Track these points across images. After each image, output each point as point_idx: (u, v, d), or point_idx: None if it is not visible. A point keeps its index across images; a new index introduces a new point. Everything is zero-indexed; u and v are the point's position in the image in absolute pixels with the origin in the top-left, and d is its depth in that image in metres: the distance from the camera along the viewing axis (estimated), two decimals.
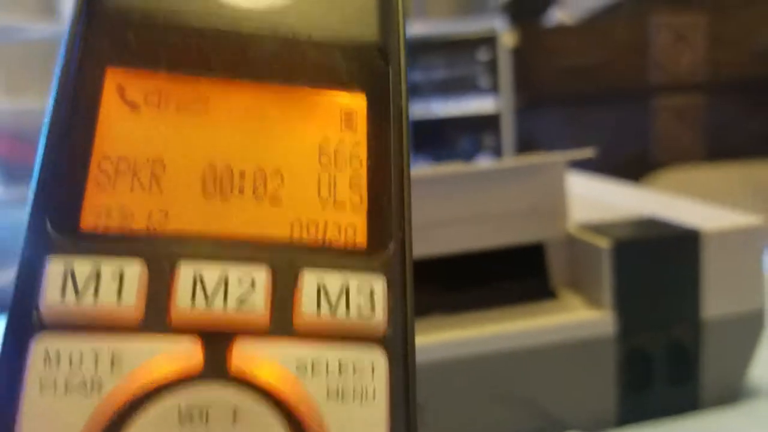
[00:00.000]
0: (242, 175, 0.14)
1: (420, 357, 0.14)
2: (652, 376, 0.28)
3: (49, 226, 0.13)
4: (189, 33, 0.14)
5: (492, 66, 1.62)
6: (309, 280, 0.13)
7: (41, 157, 0.13)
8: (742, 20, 1.86)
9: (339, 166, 0.14)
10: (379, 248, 0.14)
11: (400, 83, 0.15)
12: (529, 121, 1.95)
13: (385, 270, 0.14)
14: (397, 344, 0.13)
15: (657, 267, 0.28)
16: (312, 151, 0.14)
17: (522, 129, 1.84)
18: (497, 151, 1.62)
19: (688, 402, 0.29)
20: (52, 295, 0.12)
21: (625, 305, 0.28)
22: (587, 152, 0.28)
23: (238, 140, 0.14)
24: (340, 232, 0.14)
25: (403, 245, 0.14)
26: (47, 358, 0.12)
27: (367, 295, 0.13)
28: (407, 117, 0.15)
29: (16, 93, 1.53)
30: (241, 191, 0.14)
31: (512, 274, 0.30)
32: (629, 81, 1.96)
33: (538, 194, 0.29)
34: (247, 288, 0.13)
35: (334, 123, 0.15)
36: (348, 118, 0.15)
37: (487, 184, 0.28)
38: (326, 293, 0.13)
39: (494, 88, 1.64)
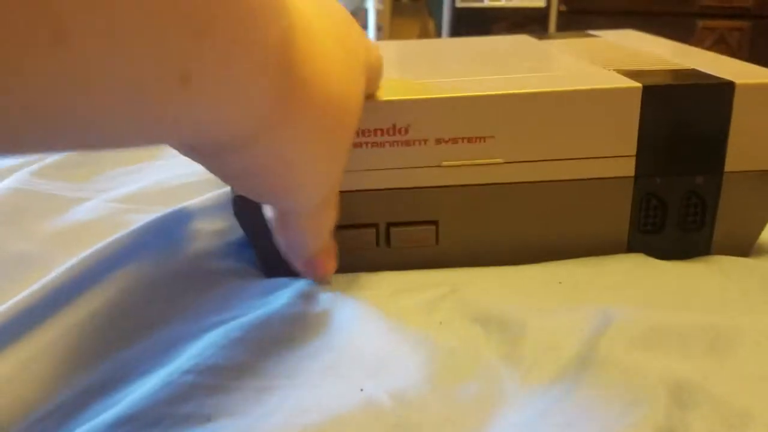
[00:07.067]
0: None
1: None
2: (666, 222, 0.29)
3: None
4: None
5: None
6: None
7: None
8: None
9: None
10: None
11: None
12: (572, 27, 1.91)
13: None
14: None
15: (687, 113, 0.28)
16: None
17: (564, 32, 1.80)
18: None
19: (699, 250, 0.30)
20: None
21: (650, 148, 0.28)
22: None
23: None
24: None
25: None
26: None
27: None
28: None
29: None
30: None
31: None
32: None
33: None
34: None
35: None
36: None
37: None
38: None
39: None
